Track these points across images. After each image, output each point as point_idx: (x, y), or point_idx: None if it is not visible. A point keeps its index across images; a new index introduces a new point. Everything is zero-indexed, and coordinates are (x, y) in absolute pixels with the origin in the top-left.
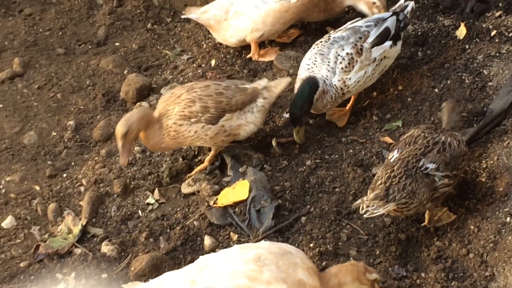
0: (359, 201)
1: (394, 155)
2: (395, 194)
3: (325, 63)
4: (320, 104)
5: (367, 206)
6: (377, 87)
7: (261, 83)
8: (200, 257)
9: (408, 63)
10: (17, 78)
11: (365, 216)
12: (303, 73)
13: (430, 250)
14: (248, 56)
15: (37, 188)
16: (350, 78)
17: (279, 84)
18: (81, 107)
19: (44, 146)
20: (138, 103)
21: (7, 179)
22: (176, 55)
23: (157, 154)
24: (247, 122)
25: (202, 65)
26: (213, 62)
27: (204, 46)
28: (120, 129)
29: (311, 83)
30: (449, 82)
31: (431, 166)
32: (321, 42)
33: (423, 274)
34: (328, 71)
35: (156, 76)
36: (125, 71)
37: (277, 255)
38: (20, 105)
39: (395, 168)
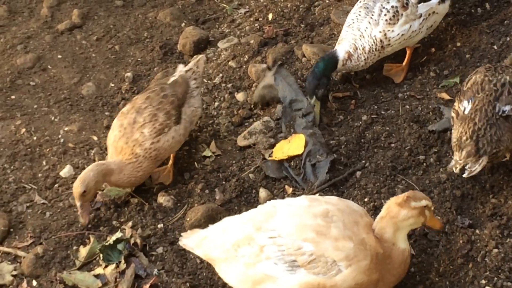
0: (452, 162)
1: (465, 106)
2: (485, 147)
3: (369, 16)
4: (353, 64)
5: (462, 166)
6: (435, 43)
7: (180, 69)
8: (267, 202)
9: (467, 19)
10: (76, 29)
11: (464, 176)
12: (343, 33)
13: (485, 207)
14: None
15: (95, 138)
16: (393, 31)
17: (199, 63)
18: (139, 59)
19: (102, 97)
20: (195, 56)
21: (66, 129)
22: (234, 8)
23: (214, 107)
24: (196, 108)
25: (259, 19)
26: (270, 16)
27: (262, 0)
28: (77, 189)
29: (328, 59)
30: (508, 39)
31: (508, 108)
32: None
33: (477, 231)
34: (369, 23)
35: (213, 29)
36: (183, 24)
37: (344, 212)
38: (78, 56)
39: (476, 120)
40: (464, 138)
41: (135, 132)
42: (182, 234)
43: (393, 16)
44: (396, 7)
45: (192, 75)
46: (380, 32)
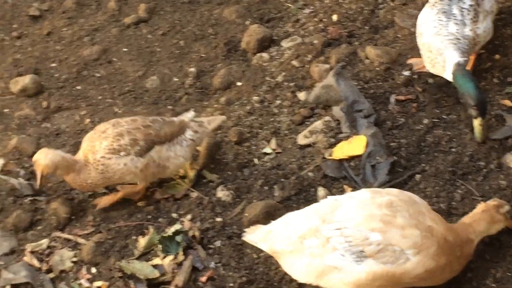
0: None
1: None
2: None
3: (451, 19)
4: None
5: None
6: (499, 50)
7: (188, 115)
8: (328, 197)
9: None
10: (142, 23)
11: None
12: (434, 41)
13: None
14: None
15: None
16: (479, 28)
17: (213, 122)
18: (203, 55)
19: (165, 91)
20: (258, 54)
21: None
22: (298, 8)
23: (275, 105)
24: (177, 155)
25: (324, 20)
26: (334, 17)
27: (327, 1)
28: (43, 161)
29: (465, 75)
30: None
31: None
32: (436, 2)
33: None
34: (457, 24)
35: (277, 28)
36: (247, 22)
37: (407, 203)
38: (144, 50)
39: None
40: None
41: (96, 140)
42: (245, 230)
43: (475, 14)
44: (473, 5)
45: (195, 127)
46: (471, 30)
